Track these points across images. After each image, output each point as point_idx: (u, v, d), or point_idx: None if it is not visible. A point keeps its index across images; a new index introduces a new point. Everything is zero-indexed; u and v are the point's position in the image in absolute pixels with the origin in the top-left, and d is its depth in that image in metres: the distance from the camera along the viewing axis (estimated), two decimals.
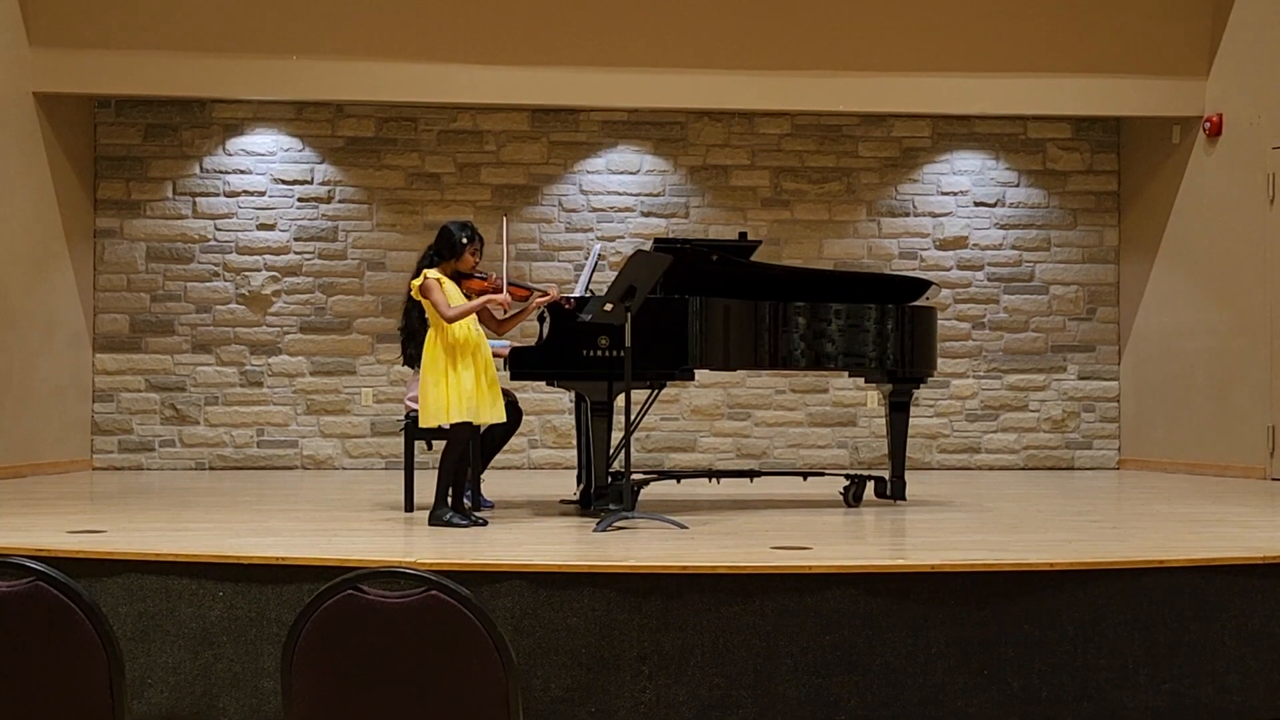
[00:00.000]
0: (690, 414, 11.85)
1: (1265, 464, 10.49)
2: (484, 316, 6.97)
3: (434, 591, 2.82)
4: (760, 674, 5.14)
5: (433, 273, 6.81)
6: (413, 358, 7.47)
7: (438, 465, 6.88)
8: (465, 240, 6.90)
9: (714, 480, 8.51)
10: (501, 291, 6.87)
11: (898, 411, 8.24)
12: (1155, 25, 11.21)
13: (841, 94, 11.15)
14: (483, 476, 7.95)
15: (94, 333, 11.50)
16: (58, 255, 10.94)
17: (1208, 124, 11.10)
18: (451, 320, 6.70)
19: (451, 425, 6.77)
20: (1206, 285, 11.19)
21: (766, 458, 11.86)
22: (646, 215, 11.87)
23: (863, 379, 8.89)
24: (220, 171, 11.65)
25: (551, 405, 11.57)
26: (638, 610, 5.15)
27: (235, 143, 11.65)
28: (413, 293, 6.89)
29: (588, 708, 5.10)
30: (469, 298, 6.85)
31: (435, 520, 6.74)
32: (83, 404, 11.39)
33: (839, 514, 7.65)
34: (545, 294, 7.12)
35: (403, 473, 7.70)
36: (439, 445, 7.22)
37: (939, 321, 8.80)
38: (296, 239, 11.67)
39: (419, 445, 7.79)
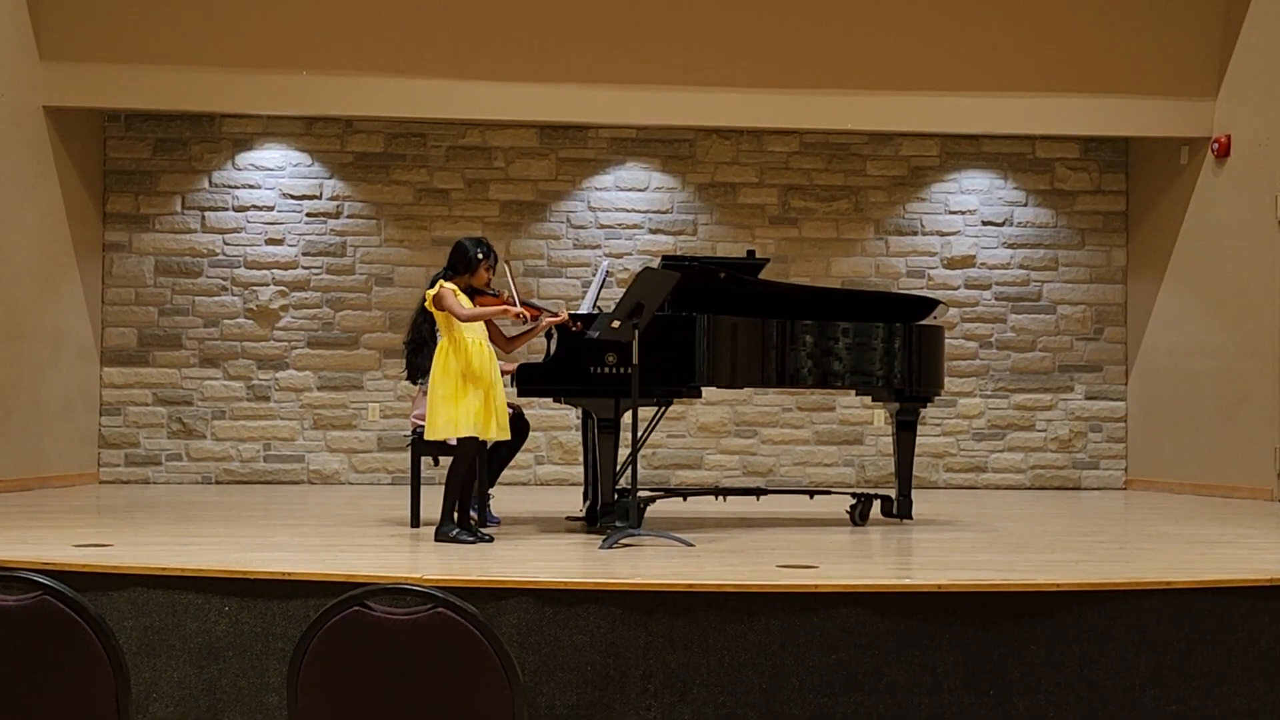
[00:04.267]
0: (697, 431, 11.85)
1: (1273, 485, 10.46)
2: (494, 336, 6.99)
3: (440, 609, 2.82)
4: (766, 693, 5.13)
5: (448, 285, 6.84)
6: (416, 371, 7.51)
7: (444, 481, 6.88)
8: (480, 256, 6.93)
9: (720, 498, 8.50)
10: (516, 306, 6.90)
11: (904, 430, 8.23)
12: (1164, 46, 11.21)
13: (850, 112, 11.15)
14: (490, 493, 7.95)
15: (102, 346, 11.51)
16: (66, 269, 10.97)
17: (1216, 145, 11.10)
18: (466, 320, 6.73)
19: (458, 441, 6.78)
20: (1214, 306, 11.17)
21: (773, 475, 11.85)
22: (654, 232, 11.88)
23: (870, 397, 8.86)
24: (229, 186, 11.67)
25: (558, 421, 11.57)
26: (643, 628, 5.14)
27: (244, 157, 11.68)
28: (426, 303, 6.91)
29: None
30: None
31: (441, 537, 6.74)
32: (90, 417, 11.40)
33: (845, 533, 7.64)
34: (555, 315, 7.14)
35: (409, 488, 7.70)
36: (446, 461, 7.23)
37: (946, 340, 8.80)
38: (305, 254, 11.69)
39: (425, 461, 7.80)
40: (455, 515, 6.82)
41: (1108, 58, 11.19)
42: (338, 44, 10.75)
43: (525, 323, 7.00)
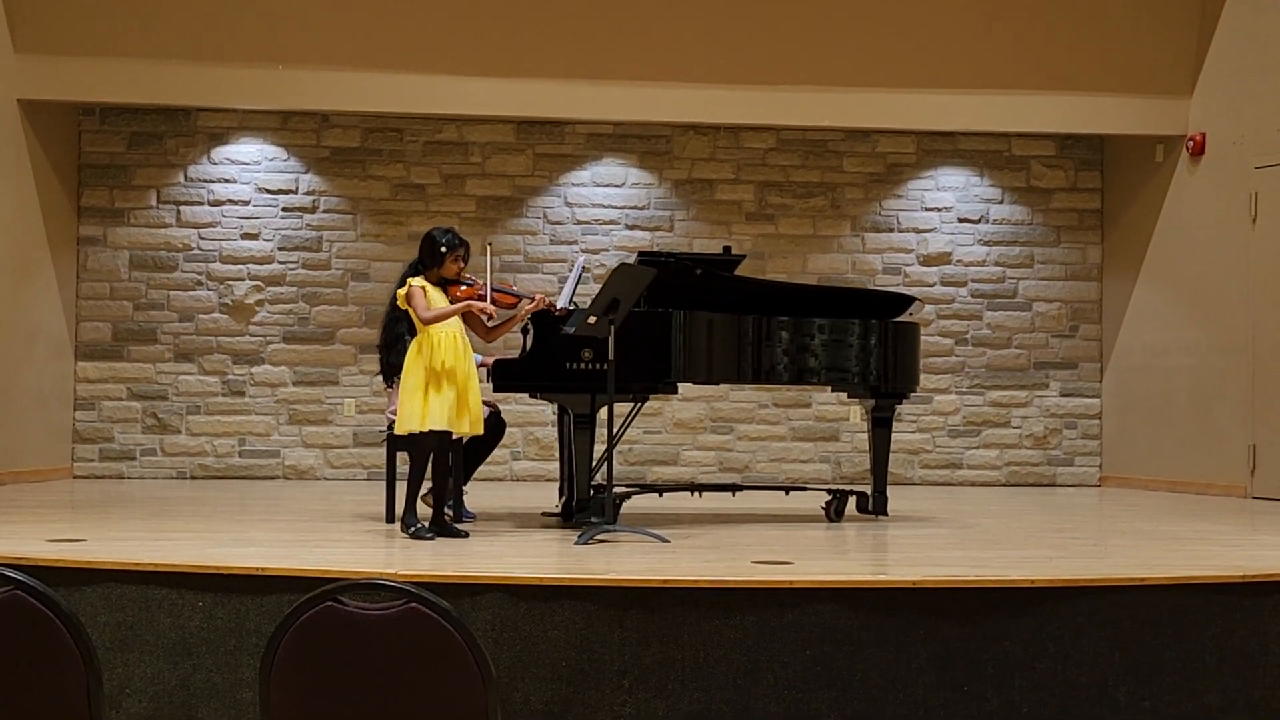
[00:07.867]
0: (673, 427, 11.85)
1: (1246, 482, 10.51)
2: (473, 325, 6.97)
3: (414, 604, 2.81)
4: (740, 689, 5.13)
5: (416, 281, 6.83)
6: (389, 371, 7.49)
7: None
8: (445, 248, 6.90)
9: (696, 494, 8.50)
10: (485, 299, 6.87)
11: (880, 427, 8.24)
12: (1140, 44, 11.25)
13: (827, 109, 11.17)
14: (465, 488, 7.93)
15: (76, 341, 11.46)
16: (41, 263, 10.91)
17: (1191, 143, 11.14)
18: (428, 322, 6.71)
19: (422, 433, 6.73)
20: (1189, 304, 11.22)
21: (749, 472, 11.86)
22: (631, 228, 11.87)
23: (845, 394, 8.88)
24: (204, 180, 11.62)
25: (534, 417, 11.56)
26: (618, 624, 5.14)
27: (220, 151, 11.63)
28: (399, 302, 6.90)
29: None
30: (454, 304, 6.85)
31: (404, 527, 6.74)
32: (64, 412, 11.35)
33: (821, 529, 7.65)
34: (533, 300, 7.13)
35: (385, 484, 7.68)
36: None
37: (922, 337, 8.82)
38: (280, 249, 11.65)
39: (401, 456, 7.77)
40: (416, 508, 6.79)
41: (1084, 56, 11.22)
42: (313, 38, 10.72)
43: (490, 320, 6.98)
